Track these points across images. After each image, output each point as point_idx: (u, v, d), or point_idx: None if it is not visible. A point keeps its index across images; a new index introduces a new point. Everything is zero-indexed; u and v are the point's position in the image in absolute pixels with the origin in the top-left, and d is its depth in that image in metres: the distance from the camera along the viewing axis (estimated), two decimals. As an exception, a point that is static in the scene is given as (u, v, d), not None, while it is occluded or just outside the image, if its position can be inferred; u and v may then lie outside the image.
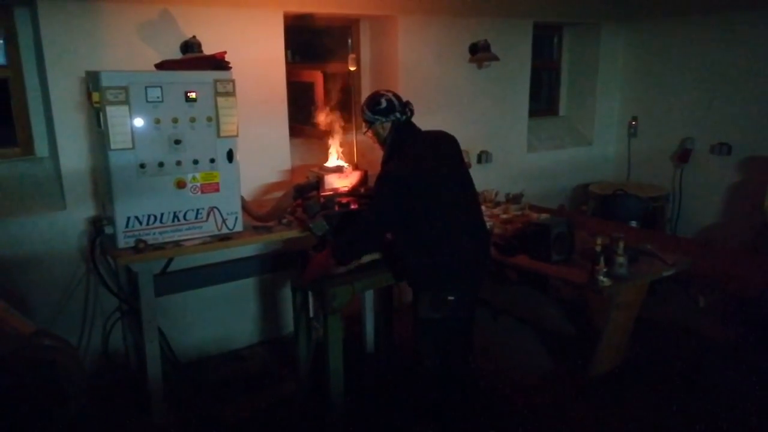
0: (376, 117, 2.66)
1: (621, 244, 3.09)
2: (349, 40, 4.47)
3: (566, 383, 3.32)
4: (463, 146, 2.80)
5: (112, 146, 2.64)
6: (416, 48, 4.32)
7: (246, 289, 3.82)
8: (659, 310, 3.95)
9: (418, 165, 2.52)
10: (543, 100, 5.83)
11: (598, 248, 3.08)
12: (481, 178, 3.83)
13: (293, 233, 3.09)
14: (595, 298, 3.34)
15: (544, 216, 3.76)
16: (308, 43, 4.31)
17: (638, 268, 3.23)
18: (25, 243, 3.11)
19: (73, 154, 3.19)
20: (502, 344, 3.73)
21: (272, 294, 3.94)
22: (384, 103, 2.65)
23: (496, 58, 4.55)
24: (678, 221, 5.32)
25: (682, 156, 5.20)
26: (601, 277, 3.01)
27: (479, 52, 4.55)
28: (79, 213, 3.22)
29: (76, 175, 3.21)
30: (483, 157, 4.83)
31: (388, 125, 2.65)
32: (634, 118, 5.60)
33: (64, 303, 3.22)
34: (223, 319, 3.76)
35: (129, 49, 3.22)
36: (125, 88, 2.63)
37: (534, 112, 5.31)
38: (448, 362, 2.69)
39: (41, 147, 3.37)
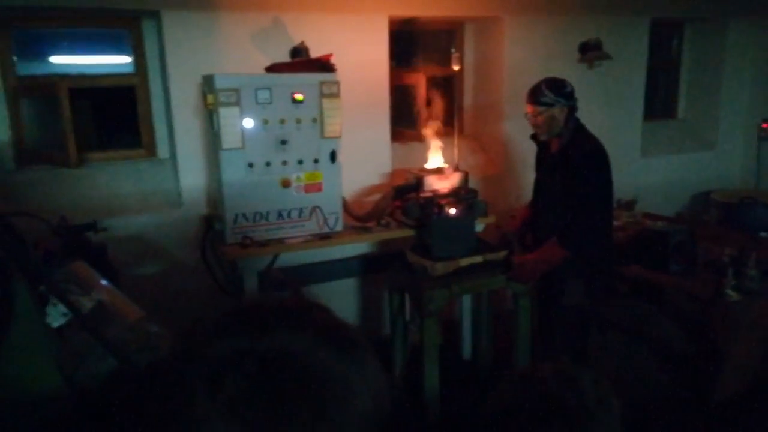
0: (559, 99, 2.73)
1: (753, 255, 2.79)
2: (453, 45, 4.43)
3: (684, 408, 3.03)
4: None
5: (224, 146, 2.76)
6: (523, 49, 4.20)
7: (344, 289, 3.87)
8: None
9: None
10: (659, 102, 5.44)
11: (726, 259, 2.81)
12: (590, 183, 3.63)
13: (392, 234, 3.09)
14: (720, 315, 3.03)
15: (660, 223, 3.49)
16: (412, 47, 4.32)
17: (772, 282, 2.90)
18: (145, 237, 3.34)
19: (190, 156, 3.39)
20: (609, 360, 3.48)
21: (370, 295, 3.95)
22: (569, 87, 2.77)
23: (608, 57, 4.31)
24: (819, 235, 4.74)
25: (825, 162, 4.65)
26: (729, 291, 2.74)
27: (590, 51, 4.34)
28: (194, 210, 3.41)
29: (192, 176, 3.41)
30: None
31: (566, 109, 2.73)
32: (765, 120, 5.09)
33: (179, 294, 3.41)
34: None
35: (243, 56, 3.38)
36: (237, 90, 2.75)
37: (649, 114, 4.97)
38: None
39: (162, 149, 3.61)
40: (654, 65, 4.96)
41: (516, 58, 4.19)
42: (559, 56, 4.33)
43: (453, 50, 3.82)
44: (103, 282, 1.77)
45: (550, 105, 2.71)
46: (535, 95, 2.76)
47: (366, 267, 3.66)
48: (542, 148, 2.96)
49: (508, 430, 1.02)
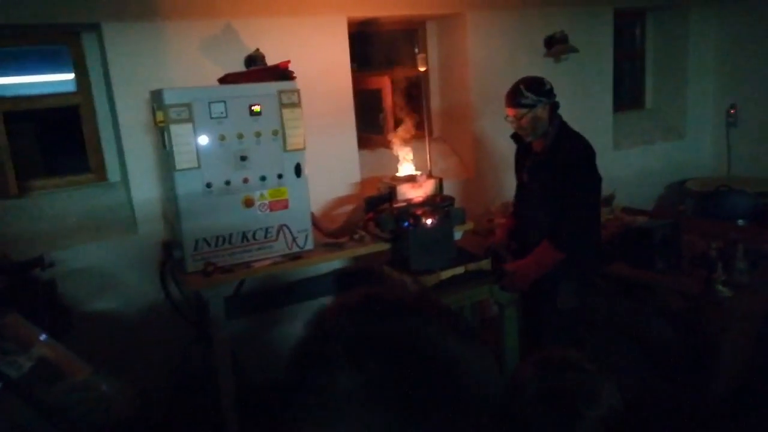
0: (540, 98, 2.62)
1: (741, 248, 2.70)
2: (417, 45, 4.27)
3: (680, 406, 2.92)
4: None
5: (178, 166, 2.54)
6: (487, 45, 4.06)
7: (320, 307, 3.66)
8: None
9: None
10: (626, 93, 5.38)
11: (714, 253, 2.70)
12: (567, 181, 3.51)
13: (367, 249, 2.90)
14: (711, 311, 2.94)
15: (642, 218, 3.38)
16: (374, 49, 4.14)
17: (761, 274, 2.81)
18: (99, 268, 3.08)
19: (143, 177, 3.14)
20: (599, 361, 3.36)
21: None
22: (548, 84, 2.67)
23: (575, 50, 4.21)
24: (792, 218, 4.73)
25: (794, 144, 4.64)
26: (720, 287, 2.63)
27: (556, 45, 4.23)
28: (151, 237, 3.16)
29: (146, 199, 3.16)
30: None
31: (548, 107, 2.64)
32: (732, 106, 5.07)
33: (140, 328, 3.16)
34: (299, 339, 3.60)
35: (194, 67, 3.15)
36: (188, 105, 2.53)
37: (617, 106, 4.90)
38: None
39: (113, 172, 3.35)
40: (619, 56, 4.88)
41: (481, 56, 4.05)
42: (524, 51, 4.22)
43: (417, 51, 3.66)
44: (43, 337, 1.55)
45: (532, 106, 2.61)
46: (514, 98, 2.64)
47: (341, 284, 3.46)
48: (523, 149, 2.82)
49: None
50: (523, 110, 2.61)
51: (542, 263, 2.57)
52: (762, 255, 2.92)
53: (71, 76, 3.25)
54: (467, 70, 4.06)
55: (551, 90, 2.66)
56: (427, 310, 0.55)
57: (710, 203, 4.43)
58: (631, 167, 4.87)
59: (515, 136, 2.80)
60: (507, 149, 3.08)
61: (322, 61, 3.49)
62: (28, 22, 2.85)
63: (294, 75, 2.81)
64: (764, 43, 4.78)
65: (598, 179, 2.65)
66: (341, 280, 3.45)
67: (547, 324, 2.72)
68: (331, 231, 2.96)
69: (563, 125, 2.68)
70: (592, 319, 2.91)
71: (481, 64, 4.05)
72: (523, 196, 2.83)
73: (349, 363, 0.50)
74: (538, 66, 4.27)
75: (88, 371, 1.45)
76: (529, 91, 2.61)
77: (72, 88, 3.27)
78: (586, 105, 4.55)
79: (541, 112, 2.61)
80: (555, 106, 2.66)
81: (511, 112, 2.67)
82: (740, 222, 4.33)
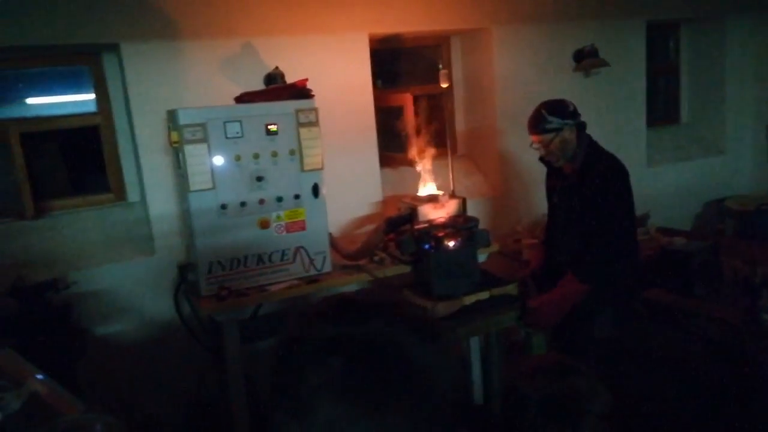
0: (566, 121, 2.50)
1: (789, 273, 2.50)
2: (440, 60, 4.18)
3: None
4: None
5: (192, 187, 2.48)
6: (514, 60, 3.94)
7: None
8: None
9: None
10: (661, 108, 5.18)
11: (758, 279, 2.51)
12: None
13: (387, 271, 2.78)
14: (755, 342, 2.74)
15: (679, 239, 3.20)
16: (396, 66, 4.06)
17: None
18: (116, 290, 3.04)
19: (161, 198, 3.09)
20: (637, 391, 3.16)
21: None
22: (571, 105, 2.55)
23: (605, 64, 4.06)
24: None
25: (842, 160, 4.38)
26: (766, 315, 2.43)
27: (585, 59, 4.09)
28: (169, 258, 3.10)
29: (164, 219, 3.11)
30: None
31: (575, 129, 2.52)
32: (774, 121, 4.83)
33: (155, 352, 3.09)
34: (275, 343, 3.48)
35: (213, 87, 3.11)
36: (203, 125, 2.47)
37: (651, 121, 4.71)
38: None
39: (132, 192, 3.32)
40: (652, 69, 4.71)
41: (507, 71, 3.93)
42: (552, 66, 4.09)
43: (440, 66, 3.56)
44: (39, 376, 1.47)
45: (558, 130, 2.49)
46: (538, 124, 2.54)
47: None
48: (554, 171, 2.69)
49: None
50: (549, 135, 2.50)
51: (567, 297, 2.43)
52: (812, 281, 2.71)
53: (92, 96, 3.24)
54: (493, 86, 3.94)
55: (575, 111, 2.54)
56: (393, 313, 0.59)
57: (751, 223, 4.21)
58: (666, 185, 4.66)
59: (543, 159, 2.67)
60: (534, 166, 2.95)
61: (343, 78, 3.42)
62: (48, 43, 2.84)
63: (312, 93, 2.74)
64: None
65: (630, 199, 2.50)
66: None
67: (583, 353, 2.55)
68: (350, 253, 2.85)
69: (592, 145, 2.55)
70: (631, 349, 2.74)
71: (507, 79, 3.93)
72: (555, 221, 2.69)
73: (316, 362, 0.55)
74: (567, 81, 4.14)
75: (80, 409, 1.36)
76: (552, 116, 2.50)
77: (92, 108, 3.26)
78: (618, 120, 4.38)
79: (569, 134, 2.49)
80: (581, 127, 2.54)
81: (536, 138, 2.56)
82: (784, 243, 4.09)
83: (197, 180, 2.47)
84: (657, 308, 2.80)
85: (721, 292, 2.79)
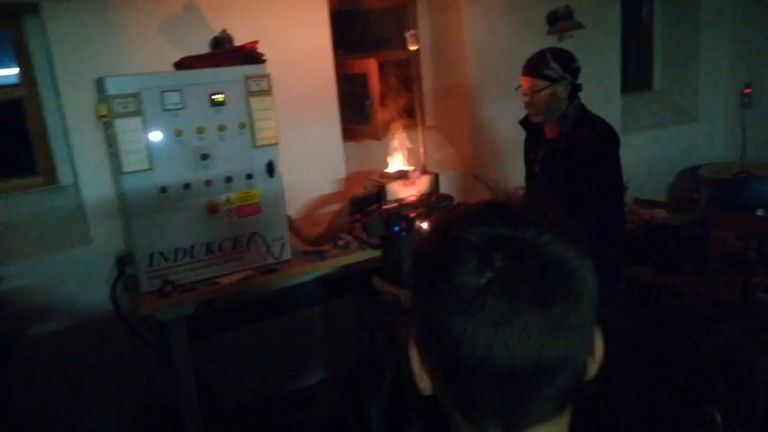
0: (566, 75, 2.23)
1: (785, 248, 2.34)
2: (406, 23, 3.87)
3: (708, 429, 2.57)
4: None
5: (125, 168, 2.15)
6: (485, 22, 3.67)
7: (303, 319, 3.28)
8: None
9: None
10: (632, 73, 4.99)
11: (752, 254, 2.34)
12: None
13: (353, 257, 2.52)
14: (750, 322, 2.59)
15: (660, 212, 3.01)
16: (358, 29, 3.74)
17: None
18: (47, 286, 2.69)
19: (96, 180, 2.73)
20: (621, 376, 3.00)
21: (336, 323, 3.37)
22: (578, 62, 2.28)
23: (581, 26, 3.82)
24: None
25: (817, 125, 4.28)
26: (763, 294, 2.26)
27: (560, 21, 3.84)
28: (106, 247, 2.76)
29: (101, 204, 2.75)
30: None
31: (569, 88, 2.25)
32: (748, 85, 4.70)
33: (96, 355, 2.78)
34: (277, 356, 3.23)
35: (150, 53, 2.74)
36: (136, 96, 2.14)
37: (624, 88, 4.51)
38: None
39: (64, 174, 2.94)
40: (626, 34, 4.50)
41: (478, 35, 3.65)
42: (526, 28, 3.82)
43: (407, 29, 3.25)
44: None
45: (555, 80, 2.21)
46: (537, 66, 2.25)
47: (326, 292, 3.08)
48: (534, 136, 2.44)
49: None
50: (544, 83, 2.21)
51: None
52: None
53: (15, 68, 2.84)
54: (463, 51, 3.66)
55: (579, 69, 2.27)
56: (541, 220, 0.61)
57: (728, 192, 4.08)
58: (639, 153, 4.49)
59: (525, 122, 2.41)
60: (510, 135, 2.71)
61: (299, 42, 3.10)
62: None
63: (264, 57, 2.42)
64: (783, 16, 4.40)
65: (619, 171, 2.28)
66: (326, 287, 3.07)
67: None
68: (311, 237, 2.58)
69: (583, 109, 2.30)
70: (610, 333, 2.54)
71: (478, 43, 3.66)
72: (535, 190, 2.45)
73: (481, 263, 0.57)
74: (541, 44, 3.85)
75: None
76: (556, 62, 2.22)
77: (15, 80, 2.86)
78: (593, 86, 4.11)
79: (562, 90, 2.22)
80: (576, 89, 2.28)
81: (527, 82, 2.27)
82: (759, 212, 3.99)
83: (131, 160, 2.14)
84: (642, 287, 2.62)
85: (708, 268, 2.62)
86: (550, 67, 2.20)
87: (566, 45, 3.94)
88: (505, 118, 3.32)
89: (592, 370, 0.66)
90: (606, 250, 2.20)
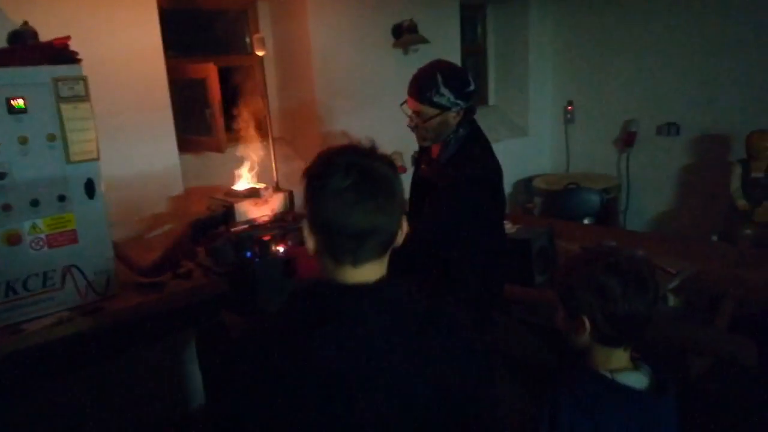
0: (458, 102, 1.92)
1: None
2: (247, 28, 3.59)
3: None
4: (393, 148, 2.05)
5: None
6: (332, 31, 3.53)
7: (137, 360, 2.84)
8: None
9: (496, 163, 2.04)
10: (471, 89, 5.20)
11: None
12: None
13: (197, 288, 2.20)
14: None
15: (510, 225, 3.08)
16: (193, 30, 3.39)
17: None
18: None
19: None
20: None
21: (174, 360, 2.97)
22: (472, 84, 1.96)
23: (424, 41, 3.86)
24: (626, 212, 4.89)
25: (627, 140, 4.77)
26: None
27: (404, 34, 3.84)
28: None
29: None
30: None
31: (461, 113, 1.96)
32: (570, 103, 5.13)
33: None
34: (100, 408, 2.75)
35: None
36: None
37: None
38: None
39: None
40: (463, 50, 4.65)
41: (324, 43, 3.51)
42: (372, 40, 3.77)
43: (249, 33, 2.99)
44: None
45: (445, 108, 1.92)
46: (424, 90, 1.92)
47: (161, 327, 2.67)
48: (421, 153, 2.22)
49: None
50: (432, 111, 1.92)
51: None
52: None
53: None
54: (309, 60, 3.49)
55: (473, 92, 1.98)
56: (375, 153, 1.06)
57: (559, 202, 4.38)
58: (480, 166, 4.67)
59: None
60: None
61: (122, 42, 2.69)
62: None
63: (78, 57, 2.01)
64: (596, 39, 4.86)
65: (490, 215, 2.05)
66: (159, 321, 2.67)
67: None
68: (145, 267, 2.20)
69: (470, 137, 2.01)
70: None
71: (325, 53, 3.51)
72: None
73: (344, 175, 1.00)
74: (387, 57, 3.86)
75: None
76: (448, 88, 1.90)
77: None
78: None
79: (453, 117, 1.94)
80: (468, 113, 2.00)
81: (414, 105, 1.96)
82: (586, 220, 4.33)
83: None
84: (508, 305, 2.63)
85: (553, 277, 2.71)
86: (441, 94, 1.90)
87: (410, 59, 3.96)
88: (357, 130, 3.21)
89: (400, 238, 1.06)
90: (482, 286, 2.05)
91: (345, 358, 0.95)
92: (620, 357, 1.30)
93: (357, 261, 1.00)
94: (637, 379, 1.28)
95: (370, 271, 1.02)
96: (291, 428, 0.97)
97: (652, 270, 1.32)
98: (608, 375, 1.27)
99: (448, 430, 1.01)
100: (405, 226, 1.06)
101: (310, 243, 1.04)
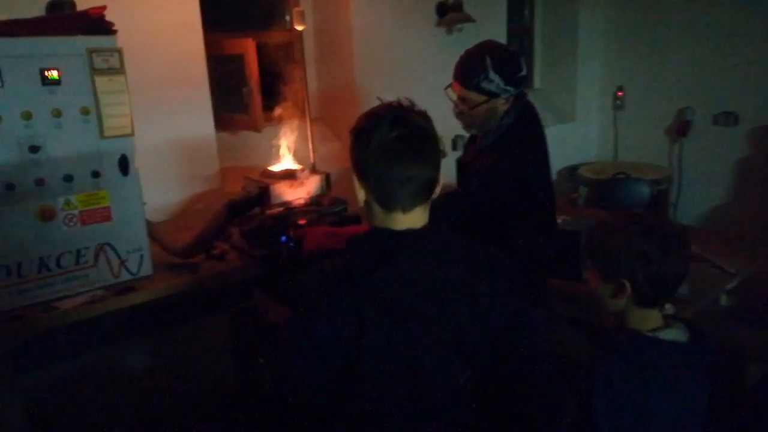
0: (508, 88, 1.79)
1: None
2: (286, 7, 3.49)
3: None
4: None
5: None
6: (373, 7, 3.40)
7: (168, 341, 2.82)
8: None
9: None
10: (515, 72, 5.01)
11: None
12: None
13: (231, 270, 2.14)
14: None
15: (560, 218, 2.93)
16: (231, 5, 3.31)
17: (694, 282, 2.45)
18: None
19: None
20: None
21: (204, 347, 2.93)
22: (524, 69, 1.82)
23: (470, 19, 3.69)
24: (677, 205, 4.66)
25: (681, 129, 4.52)
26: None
27: (449, 13, 3.68)
28: None
29: None
30: (459, 142, 3.98)
31: (511, 100, 1.83)
32: (620, 88, 4.89)
33: None
34: (136, 382, 2.74)
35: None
36: (-70, 67, 1.59)
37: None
38: None
39: None
40: (509, 32, 4.47)
41: (366, 21, 3.39)
42: (415, 19, 3.63)
43: (287, 9, 2.89)
44: None
45: (494, 95, 1.79)
46: (471, 75, 1.78)
47: (197, 307, 2.63)
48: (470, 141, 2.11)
49: None
50: (480, 97, 1.79)
51: None
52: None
53: None
54: (350, 39, 3.37)
55: (524, 78, 1.84)
56: (414, 111, 1.19)
57: (606, 192, 4.19)
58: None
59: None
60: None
61: (160, 15, 2.63)
62: None
63: (114, 28, 1.94)
64: (652, 21, 4.60)
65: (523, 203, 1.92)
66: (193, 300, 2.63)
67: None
68: (179, 247, 2.15)
69: (518, 127, 1.87)
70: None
71: (366, 31, 3.39)
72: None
73: (390, 128, 1.13)
74: (429, 37, 3.73)
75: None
76: (498, 73, 1.76)
77: None
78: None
79: (502, 104, 1.82)
80: (521, 97, 1.87)
81: (459, 90, 1.84)
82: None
83: (-76, 152, 1.60)
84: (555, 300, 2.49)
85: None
86: (490, 79, 1.76)
87: (454, 39, 3.81)
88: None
89: (438, 188, 1.18)
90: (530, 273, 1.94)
91: (402, 295, 1.09)
92: (656, 317, 1.36)
93: (406, 207, 1.13)
94: (677, 334, 1.34)
95: (417, 218, 1.15)
96: (361, 352, 1.09)
97: (683, 228, 1.42)
98: (649, 335, 1.32)
99: (492, 359, 1.16)
100: (440, 177, 1.17)
101: (360, 195, 1.17)
